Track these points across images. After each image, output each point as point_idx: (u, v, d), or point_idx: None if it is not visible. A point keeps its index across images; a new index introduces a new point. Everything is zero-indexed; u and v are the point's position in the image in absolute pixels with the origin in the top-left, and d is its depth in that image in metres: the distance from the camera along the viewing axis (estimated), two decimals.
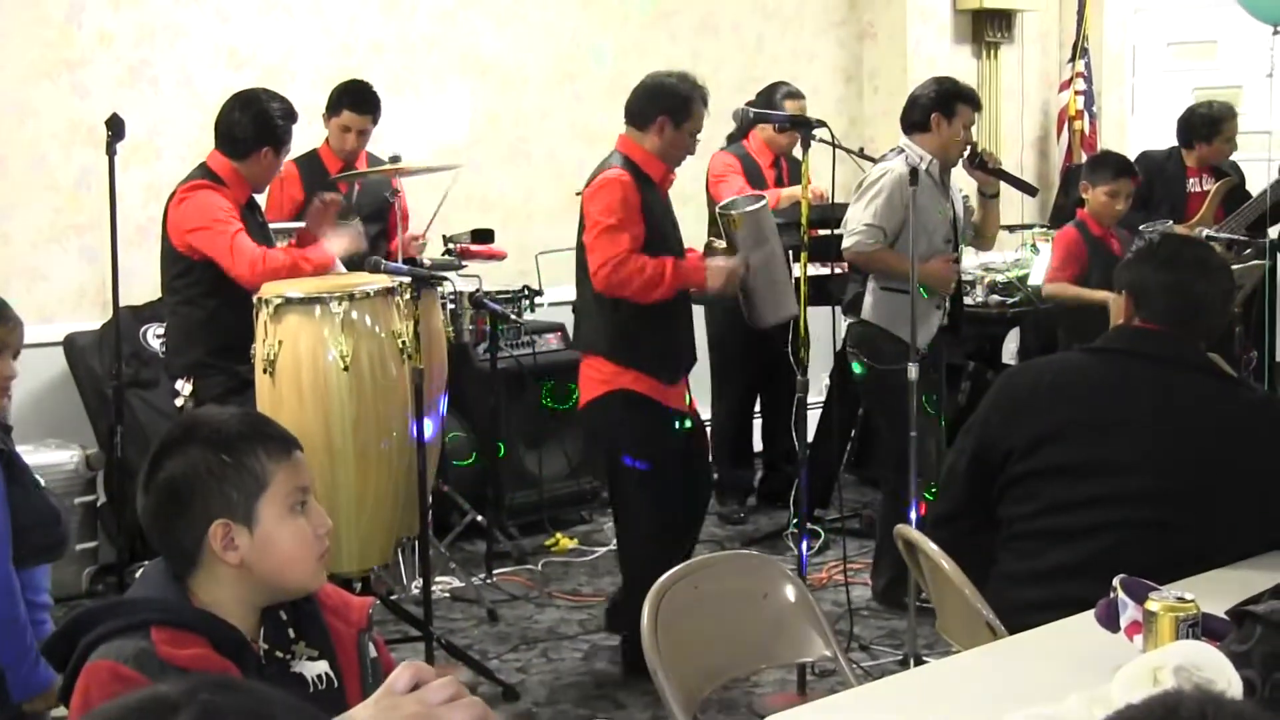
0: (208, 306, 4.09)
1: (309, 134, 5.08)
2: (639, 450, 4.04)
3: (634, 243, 3.88)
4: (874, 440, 5.93)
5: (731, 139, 5.81)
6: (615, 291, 3.90)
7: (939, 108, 4.53)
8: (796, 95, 5.75)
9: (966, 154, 4.59)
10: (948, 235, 4.56)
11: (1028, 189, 4.86)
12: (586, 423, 4.41)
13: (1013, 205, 7.84)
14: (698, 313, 4.63)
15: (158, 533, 1.84)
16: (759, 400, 5.95)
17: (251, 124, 4.10)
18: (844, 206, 4.70)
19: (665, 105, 3.97)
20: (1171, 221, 5.43)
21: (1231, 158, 6.14)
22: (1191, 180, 6.03)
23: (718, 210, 4.06)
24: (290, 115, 4.18)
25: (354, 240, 4.44)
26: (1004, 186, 4.76)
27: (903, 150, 4.56)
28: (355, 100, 5.03)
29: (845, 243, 4.51)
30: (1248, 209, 5.79)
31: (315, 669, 1.85)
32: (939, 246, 4.49)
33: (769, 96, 5.67)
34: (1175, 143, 6.12)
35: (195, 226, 4.04)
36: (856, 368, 4.63)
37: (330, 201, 4.45)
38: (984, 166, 4.59)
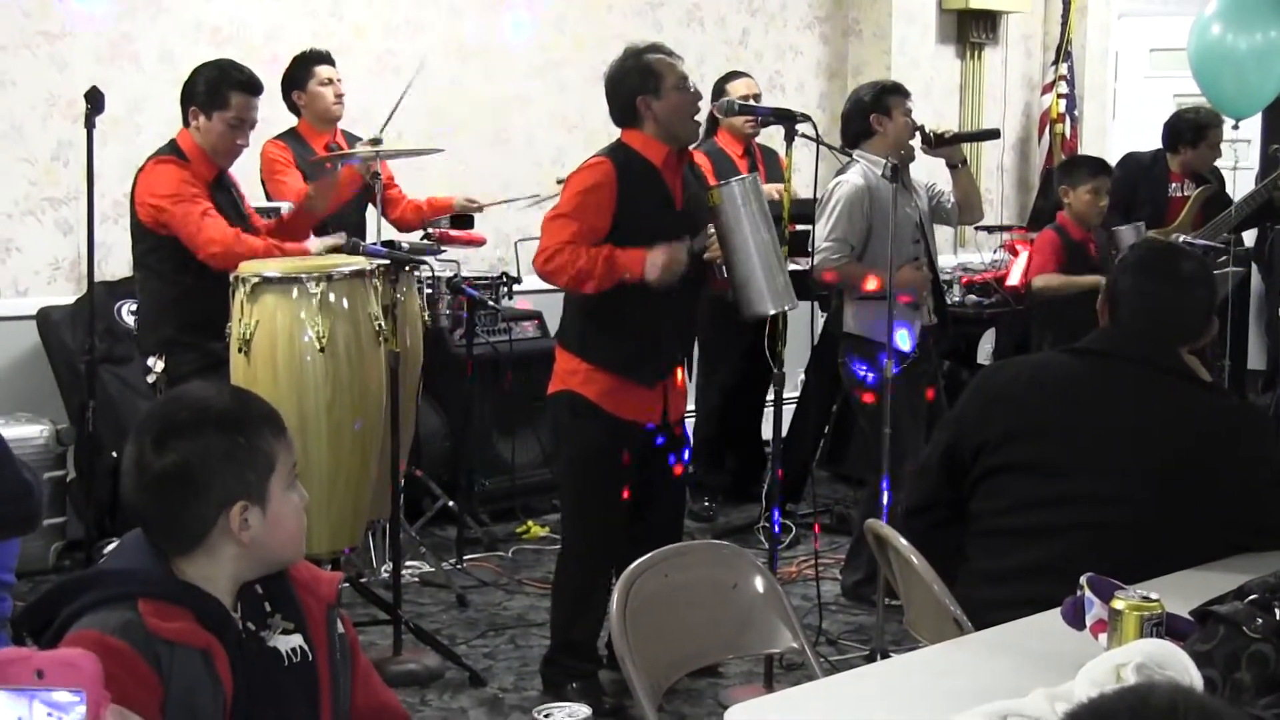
0: (179, 283, 4.05)
1: (289, 117, 5.07)
2: (575, 463, 3.84)
3: (583, 236, 3.63)
4: (849, 436, 5.95)
5: (705, 137, 5.81)
6: (550, 280, 3.75)
7: (874, 109, 4.60)
8: (739, 74, 5.80)
9: (919, 139, 4.60)
10: (915, 235, 4.57)
11: (989, 134, 4.96)
12: (548, 414, 4.13)
13: (992, 208, 7.90)
14: None
15: (160, 513, 1.82)
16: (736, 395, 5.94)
17: (201, 82, 4.06)
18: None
19: (634, 87, 3.75)
20: (1144, 225, 5.48)
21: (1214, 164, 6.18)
22: (1174, 185, 6.07)
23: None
24: (247, 86, 4.07)
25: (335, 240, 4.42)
26: (985, 160, 4.79)
27: (855, 162, 4.59)
28: (321, 56, 5.06)
29: (814, 261, 4.52)
30: (1227, 217, 5.82)
31: (289, 643, 1.86)
32: (907, 246, 4.49)
33: (720, 88, 5.72)
34: (1159, 146, 6.16)
35: (162, 204, 3.98)
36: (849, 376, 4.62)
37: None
38: (940, 141, 4.61)
